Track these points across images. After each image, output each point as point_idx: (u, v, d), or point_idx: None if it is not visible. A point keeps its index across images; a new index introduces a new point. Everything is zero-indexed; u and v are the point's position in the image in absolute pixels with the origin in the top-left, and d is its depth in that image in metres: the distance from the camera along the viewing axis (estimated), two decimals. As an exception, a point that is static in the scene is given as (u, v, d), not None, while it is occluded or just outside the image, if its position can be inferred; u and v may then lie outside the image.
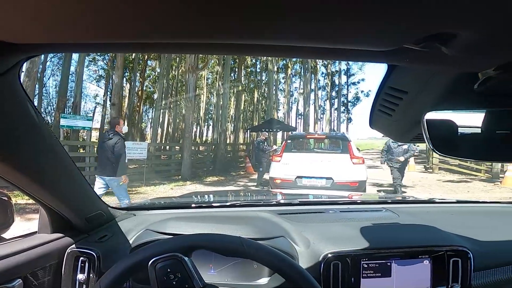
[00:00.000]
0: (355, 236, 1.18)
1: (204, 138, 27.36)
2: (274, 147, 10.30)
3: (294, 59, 25.52)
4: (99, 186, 5.29)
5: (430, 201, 1.85)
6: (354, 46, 0.48)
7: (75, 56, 13.72)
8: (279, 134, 21.67)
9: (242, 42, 0.48)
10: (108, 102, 16.82)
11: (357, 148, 7.87)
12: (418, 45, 0.45)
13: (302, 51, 0.53)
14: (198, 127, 26.94)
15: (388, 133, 0.91)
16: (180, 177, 12.17)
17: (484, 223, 1.48)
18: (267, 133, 11.78)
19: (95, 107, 20.92)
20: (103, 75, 20.63)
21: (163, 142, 21.24)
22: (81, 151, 11.92)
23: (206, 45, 0.50)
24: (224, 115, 17.35)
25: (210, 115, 27.18)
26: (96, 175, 5.50)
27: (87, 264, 1.07)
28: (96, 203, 1.17)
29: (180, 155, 13.64)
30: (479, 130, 0.69)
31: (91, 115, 16.10)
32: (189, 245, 0.81)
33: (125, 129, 5.95)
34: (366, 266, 1.08)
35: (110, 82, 17.53)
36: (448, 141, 0.70)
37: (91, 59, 20.59)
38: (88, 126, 11.02)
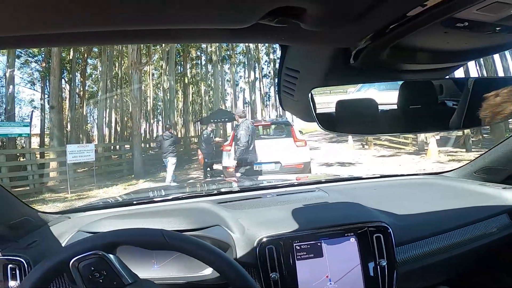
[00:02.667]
0: (287, 218, 1.17)
1: (154, 134, 26.41)
2: (217, 139, 10.33)
3: (238, 49, 25.40)
4: (172, 162, 8.47)
5: (358, 178, 1.85)
6: (211, 25, 0.47)
7: (2, 59, 12.39)
8: (229, 124, 21.58)
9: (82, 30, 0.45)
10: (47, 106, 15.44)
11: (300, 131, 8.30)
12: (273, 21, 0.46)
13: (163, 35, 0.52)
14: (148, 124, 25.96)
15: (296, 114, 0.89)
16: (133, 176, 11.70)
17: (402, 196, 1.50)
18: (213, 125, 11.68)
19: (32, 111, 19.16)
20: (38, 78, 18.85)
21: (112, 142, 20.21)
22: (21, 159, 10.95)
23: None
24: (172, 109, 16.88)
25: (158, 111, 26.26)
26: (164, 158, 8.61)
27: (17, 271, 1.02)
28: (20, 209, 1.12)
29: (131, 153, 13.11)
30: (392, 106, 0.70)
31: (28, 120, 14.68)
32: (109, 242, 0.78)
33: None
34: (298, 248, 1.07)
35: (47, 84, 16.13)
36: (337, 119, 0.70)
37: (23, 62, 18.78)
38: (25, 132, 10.18)
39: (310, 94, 0.65)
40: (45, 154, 12.95)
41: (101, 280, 0.74)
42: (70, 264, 0.75)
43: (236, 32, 0.50)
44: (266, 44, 29.43)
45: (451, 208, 1.31)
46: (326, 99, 0.68)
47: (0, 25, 0.41)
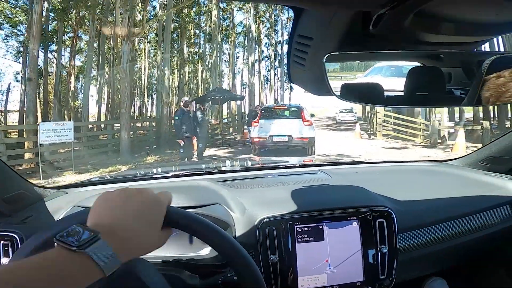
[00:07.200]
0: (288, 199, 1.09)
1: (149, 114, 24.81)
2: (213, 121, 10.68)
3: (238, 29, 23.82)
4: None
5: (361, 162, 1.88)
6: None
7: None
8: (225, 106, 19.98)
9: None
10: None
11: (311, 114, 10.77)
12: None
13: None
14: (141, 103, 24.35)
15: (305, 87, 0.87)
16: (118, 159, 10.25)
17: (405, 182, 1.43)
18: (207, 105, 12.63)
19: (9, 84, 17.39)
20: (21, 49, 17.13)
21: (102, 120, 18.60)
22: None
23: None
24: (166, 87, 15.23)
25: (153, 89, 24.54)
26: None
27: (10, 248, 0.95)
28: (16, 183, 1.08)
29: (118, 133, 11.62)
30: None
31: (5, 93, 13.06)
32: None
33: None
34: (299, 230, 1.00)
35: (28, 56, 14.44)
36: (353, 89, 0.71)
37: (8, 33, 17.16)
38: (-7, 106, 8.58)
39: (324, 60, 0.63)
40: (24, 133, 11.41)
41: None
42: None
43: None
44: (268, 26, 27.99)
45: (454, 197, 1.25)
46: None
47: None
